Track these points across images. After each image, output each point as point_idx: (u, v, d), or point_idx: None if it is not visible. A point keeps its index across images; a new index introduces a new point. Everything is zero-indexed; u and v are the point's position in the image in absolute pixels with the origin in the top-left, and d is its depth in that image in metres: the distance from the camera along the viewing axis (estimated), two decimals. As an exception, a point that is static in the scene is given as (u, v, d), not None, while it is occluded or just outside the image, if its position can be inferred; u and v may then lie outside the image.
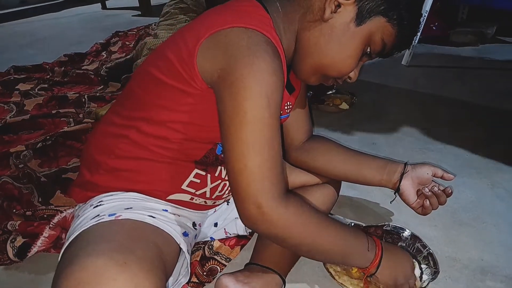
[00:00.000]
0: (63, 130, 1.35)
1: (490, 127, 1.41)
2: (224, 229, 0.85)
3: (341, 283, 0.74)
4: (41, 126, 1.42)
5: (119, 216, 0.59)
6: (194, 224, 0.76)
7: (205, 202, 0.73)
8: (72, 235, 0.58)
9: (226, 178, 0.72)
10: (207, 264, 0.81)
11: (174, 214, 0.70)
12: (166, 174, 0.67)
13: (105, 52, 2.40)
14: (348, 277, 0.75)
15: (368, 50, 0.63)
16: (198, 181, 0.69)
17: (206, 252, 0.84)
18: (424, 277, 0.77)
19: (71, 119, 1.45)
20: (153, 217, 0.62)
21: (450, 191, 0.80)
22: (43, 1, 4.60)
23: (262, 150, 0.54)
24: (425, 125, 1.43)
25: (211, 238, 0.86)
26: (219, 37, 0.56)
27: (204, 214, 0.78)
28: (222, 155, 0.69)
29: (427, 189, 0.82)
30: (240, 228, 0.84)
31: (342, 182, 0.93)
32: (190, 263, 0.66)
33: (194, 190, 0.70)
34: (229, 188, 0.75)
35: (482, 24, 2.42)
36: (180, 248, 0.64)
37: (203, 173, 0.69)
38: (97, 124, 0.74)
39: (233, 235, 0.87)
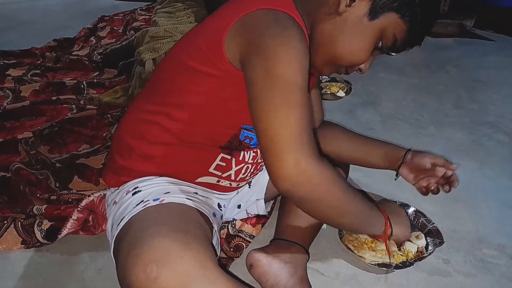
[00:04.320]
0: (68, 116, 1.35)
1: (475, 113, 1.52)
2: (246, 210, 0.91)
3: (361, 256, 0.82)
4: (43, 113, 1.41)
5: (163, 200, 0.63)
6: (219, 206, 0.81)
7: (230, 184, 0.78)
8: (121, 220, 0.62)
9: (249, 161, 0.77)
10: (233, 241, 0.87)
11: (203, 196, 0.75)
12: (195, 158, 0.71)
13: (93, 37, 2.36)
14: (366, 250, 0.82)
15: (380, 44, 0.66)
16: (224, 164, 0.74)
17: (230, 231, 0.89)
18: (430, 247, 0.86)
19: (73, 105, 1.45)
20: (190, 200, 0.66)
21: (456, 184, 0.85)
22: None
23: (297, 108, 0.54)
24: (416, 111, 1.53)
25: (233, 218, 0.92)
26: (246, 18, 0.59)
27: (228, 195, 0.83)
28: (245, 141, 0.73)
29: (432, 180, 0.87)
30: (260, 209, 0.90)
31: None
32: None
33: (221, 173, 0.75)
34: (251, 170, 0.80)
35: (461, 16, 2.55)
36: (212, 227, 0.69)
37: (228, 157, 0.73)
38: (127, 110, 0.77)
39: (253, 215, 0.93)
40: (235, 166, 0.76)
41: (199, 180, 0.74)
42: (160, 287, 0.49)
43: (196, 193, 0.73)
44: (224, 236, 0.88)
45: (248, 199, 0.90)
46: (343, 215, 0.65)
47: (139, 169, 0.70)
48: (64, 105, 1.44)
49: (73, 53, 2.06)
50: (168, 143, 0.69)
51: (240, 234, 0.89)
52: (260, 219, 0.93)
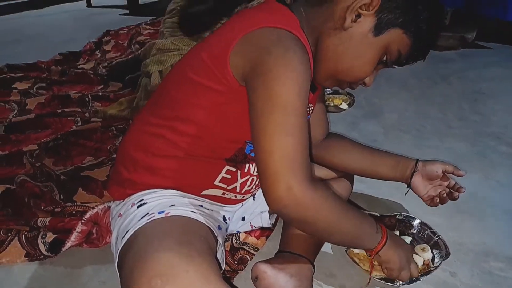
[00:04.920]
0: (72, 129, 1.36)
1: (477, 124, 1.52)
2: (250, 222, 0.91)
3: (366, 270, 0.81)
4: (48, 125, 1.43)
5: (168, 213, 0.63)
6: (224, 218, 0.81)
7: (235, 196, 0.78)
8: (125, 233, 0.62)
9: (254, 173, 0.77)
10: (237, 254, 0.86)
11: (208, 209, 0.75)
12: (200, 171, 0.71)
13: (98, 51, 2.39)
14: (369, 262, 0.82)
15: (384, 58, 0.67)
16: (229, 176, 0.74)
17: (234, 243, 0.89)
18: (436, 259, 0.85)
19: (78, 118, 1.46)
20: (195, 213, 0.66)
21: (462, 190, 0.87)
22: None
23: (294, 132, 0.56)
24: (419, 123, 1.53)
25: (237, 231, 0.91)
26: (251, 36, 0.60)
27: (233, 208, 0.83)
28: (250, 154, 0.73)
29: (439, 190, 0.90)
30: (265, 221, 0.89)
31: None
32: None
33: (226, 185, 0.75)
34: (256, 183, 0.80)
35: (463, 29, 2.56)
36: (217, 240, 0.69)
37: (234, 169, 0.73)
38: (132, 122, 0.78)
39: (257, 228, 0.92)
40: (241, 179, 0.76)
41: (205, 192, 0.74)
42: None
43: (202, 205, 0.73)
44: (228, 249, 0.87)
45: (252, 211, 0.89)
46: (335, 235, 0.66)
47: (144, 181, 0.71)
48: (69, 118, 1.46)
49: (78, 67, 2.09)
50: (173, 156, 0.69)
51: (244, 246, 0.88)
52: (264, 232, 0.92)
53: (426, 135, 1.44)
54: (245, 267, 0.84)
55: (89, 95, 1.65)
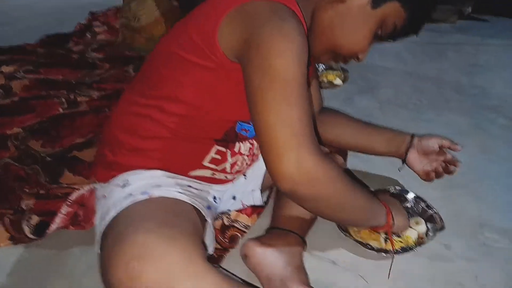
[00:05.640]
0: (59, 112, 1.33)
1: (475, 98, 1.49)
2: (241, 201, 0.88)
3: (359, 240, 0.79)
4: (33, 108, 1.38)
5: (152, 195, 0.60)
6: (214, 198, 0.79)
7: (225, 176, 0.76)
8: (106, 215, 0.60)
9: (245, 153, 0.74)
10: (227, 232, 0.84)
11: (197, 189, 0.72)
12: (188, 152, 0.69)
13: (88, 33, 2.33)
14: (366, 233, 0.80)
15: (379, 32, 0.65)
16: (219, 157, 0.71)
17: (225, 221, 0.87)
18: (431, 233, 0.83)
19: (63, 99, 1.42)
20: (181, 193, 0.64)
21: (458, 165, 0.86)
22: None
23: (298, 103, 0.52)
24: (414, 98, 1.50)
25: (228, 209, 0.89)
26: (242, 9, 0.57)
27: (224, 187, 0.81)
28: (241, 133, 0.70)
29: (435, 164, 0.88)
30: (256, 199, 0.87)
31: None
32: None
33: (215, 166, 0.72)
34: (247, 162, 0.78)
35: (459, 2, 2.51)
36: (206, 220, 0.67)
37: (224, 149, 0.71)
38: (118, 103, 0.74)
39: (249, 205, 0.90)
40: (231, 159, 0.73)
41: (193, 173, 0.71)
42: (143, 285, 0.46)
43: (190, 186, 0.70)
44: (219, 227, 0.85)
45: (243, 190, 0.87)
46: (347, 212, 0.63)
47: (130, 163, 0.68)
48: (54, 99, 1.41)
49: (67, 49, 2.03)
50: (160, 137, 0.66)
51: (235, 224, 0.86)
52: (255, 209, 0.90)
53: (423, 109, 1.42)
54: (236, 245, 0.82)
55: (75, 79, 1.61)
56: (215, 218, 0.87)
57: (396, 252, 0.77)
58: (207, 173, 0.72)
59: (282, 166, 0.51)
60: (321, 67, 1.67)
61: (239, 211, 0.89)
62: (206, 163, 0.70)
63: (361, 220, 0.70)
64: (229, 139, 0.70)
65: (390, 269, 0.74)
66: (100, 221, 0.63)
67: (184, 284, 0.47)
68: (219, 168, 0.72)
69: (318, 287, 0.71)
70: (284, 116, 0.51)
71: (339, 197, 0.58)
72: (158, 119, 0.65)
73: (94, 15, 2.68)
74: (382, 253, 0.77)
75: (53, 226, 0.83)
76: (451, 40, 2.15)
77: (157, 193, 0.61)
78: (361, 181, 0.90)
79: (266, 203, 0.92)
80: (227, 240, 0.83)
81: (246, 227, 0.86)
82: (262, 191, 0.88)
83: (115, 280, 0.47)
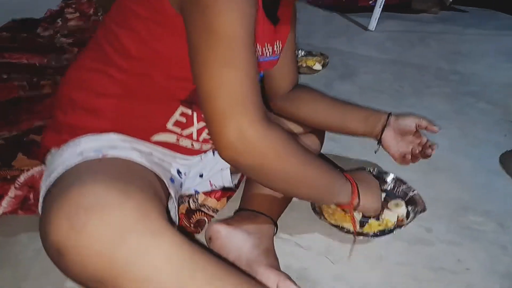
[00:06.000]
0: (19, 95, 1.23)
1: (456, 84, 1.46)
2: (210, 181, 0.82)
3: (333, 224, 0.74)
4: (-9, 91, 1.29)
5: (106, 154, 0.53)
6: (179, 172, 0.72)
7: (192, 144, 0.69)
8: (52, 173, 0.52)
9: None
10: (194, 216, 0.78)
11: (160, 159, 0.65)
12: (150, 112, 0.62)
13: (60, 19, 2.22)
14: (340, 215, 0.74)
15: None
16: (184, 120, 0.65)
17: (191, 205, 0.80)
18: (411, 215, 0.78)
19: (25, 83, 1.33)
20: (141, 158, 0.57)
21: (435, 147, 0.79)
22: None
23: (239, 65, 0.48)
24: (396, 84, 1.46)
25: (195, 191, 0.82)
26: None
27: (189, 161, 0.74)
28: None
29: (411, 146, 0.82)
30: (226, 180, 0.80)
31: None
32: (178, 210, 0.63)
33: (180, 130, 0.65)
34: None
35: (441, -8, 2.50)
36: (169, 193, 0.60)
37: (189, 111, 0.64)
38: (71, 63, 0.67)
39: (218, 188, 0.83)
40: (197, 123, 0.67)
41: (156, 138, 0.64)
42: (86, 238, 0.38)
43: (151, 153, 0.63)
44: (184, 211, 0.78)
45: (211, 168, 0.80)
46: (299, 185, 0.58)
47: (84, 124, 0.60)
48: (15, 82, 1.32)
49: (34, 34, 1.92)
50: (116, 94, 0.60)
51: (202, 208, 0.79)
52: (226, 193, 0.84)
53: (404, 94, 1.38)
54: (202, 229, 0.76)
55: (40, 63, 1.51)
56: (180, 202, 0.81)
57: (374, 235, 0.72)
58: (171, 138, 0.65)
59: (222, 133, 0.48)
60: (301, 52, 1.61)
61: (208, 194, 0.82)
62: (170, 125, 0.63)
63: (319, 195, 0.64)
64: (194, 101, 0.64)
65: (351, 249, 0.71)
66: (45, 182, 0.55)
67: (137, 240, 0.39)
68: (184, 133, 0.65)
69: (289, 272, 0.66)
70: (224, 80, 0.48)
71: (288, 168, 0.54)
72: (113, 75, 0.58)
73: (68, 2, 2.57)
74: (360, 236, 0.72)
75: (0, 211, 0.75)
76: (433, 29, 2.13)
77: (112, 152, 0.54)
78: (326, 158, 0.85)
79: (237, 186, 0.85)
80: (192, 225, 0.76)
81: (214, 211, 0.80)
82: (233, 173, 0.81)
83: (54, 235, 0.39)
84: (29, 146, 0.98)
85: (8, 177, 0.83)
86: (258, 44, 0.64)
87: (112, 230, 0.39)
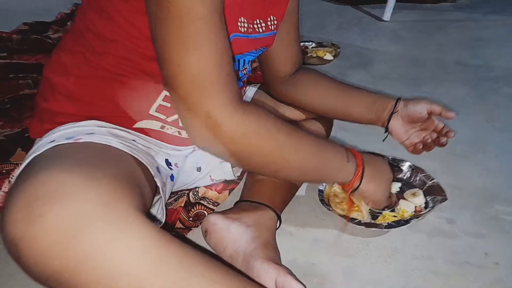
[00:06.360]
0: (23, 92, 1.22)
1: (478, 69, 1.37)
2: (210, 176, 0.76)
3: (342, 215, 0.67)
4: (-3, 90, 1.28)
5: (79, 139, 0.48)
6: (168, 163, 0.66)
7: (178, 132, 0.64)
8: (22, 163, 0.48)
9: None
10: (192, 210, 0.73)
11: (144, 146, 0.60)
12: (131, 97, 0.57)
13: (70, 21, 2.23)
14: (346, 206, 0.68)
15: None
16: (168, 105, 0.59)
17: (191, 198, 0.75)
18: (430, 205, 0.71)
19: (30, 81, 1.32)
20: (124, 144, 0.51)
21: (452, 135, 0.71)
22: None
23: (199, 45, 0.43)
24: (413, 71, 1.37)
25: (196, 186, 0.77)
26: None
27: (180, 151, 0.68)
28: None
29: (423, 135, 0.74)
30: (227, 173, 0.75)
31: (334, 122, 0.85)
32: (166, 203, 0.57)
33: (165, 116, 0.60)
34: None
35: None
36: (156, 185, 0.54)
37: None
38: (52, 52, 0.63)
39: (219, 181, 0.78)
40: None
41: (139, 125, 0.59)
42: (43, 229, 0.33)
43: (134, 140, 0.59)
44: (182, 204, 0.73)
45: (210, 161, 0.75)
46: (290, 166, 0.52)
47: (64, 110, 0.56)
48: (20, 81, 1.31)
49: (44, 36, 1.93)
50: (98, 78, 0.55)
51: (202, 201, 0.74)
52: (228, 185, 0.79)
53: (421, 81, 1.29)
54: (200, 223, 0.71)
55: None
56: (180, 195, 0.76)
57: (389, 226, 0.65)
58: (155, 125, 0.60)
59: (189, 120, 0.45)
60: (311, 44, 1.55)
61: (209, 187, 0.77)
62: (153, 111, 0.58)
63: (306, 177, 0.59)
64: None
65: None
66: (17, 171, 0.51)
67: (99, 232, 0.34)
68: (169, 119, 0.60)
69: (295, 268, 0.60)
70: (183, 61, 0.43)
71: (262, 155, 0.49)
72: (88, 57, 0.54)
73: (78, 5, 2.59)
74: (372, 228, 0.65)
75: (-8, 206, 0.72)
76: (451, 17, 2.02)
77: (86, 138, 0.49)
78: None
79: (239, 178, 0.80)
80: (190, 219, 0.71)
81: (215, 204, 0.75)
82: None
83: (10, 228, 0.34)
84: (27, 141, 0.96)
85: (4, 171, 0.80)
86: (244, 19, 0.59)
87: (72, 220, 0.34)
